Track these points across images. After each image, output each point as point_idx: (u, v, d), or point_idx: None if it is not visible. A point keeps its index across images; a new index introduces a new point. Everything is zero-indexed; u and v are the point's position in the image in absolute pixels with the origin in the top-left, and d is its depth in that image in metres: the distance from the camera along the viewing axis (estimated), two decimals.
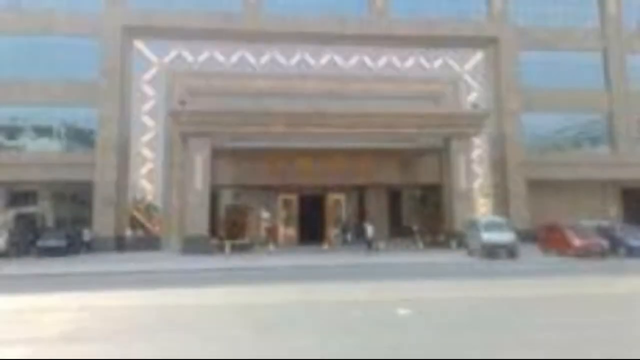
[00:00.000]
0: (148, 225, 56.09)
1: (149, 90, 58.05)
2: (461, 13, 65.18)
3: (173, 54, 58.76)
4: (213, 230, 53.40)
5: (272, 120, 51.74)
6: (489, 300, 24.16)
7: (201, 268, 40.03)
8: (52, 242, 51.46)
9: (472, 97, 61.89)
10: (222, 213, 58.87)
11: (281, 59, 60.37)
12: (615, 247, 45.28)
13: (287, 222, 62.22)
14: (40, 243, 51.66)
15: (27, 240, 53.99)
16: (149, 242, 55.40)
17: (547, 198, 62.51)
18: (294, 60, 60.59)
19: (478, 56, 63.53)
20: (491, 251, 44.37)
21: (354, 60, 61.46)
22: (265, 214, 59.08)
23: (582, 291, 26.79)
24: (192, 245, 49.61)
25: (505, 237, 45.04)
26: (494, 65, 63.16)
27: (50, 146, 59.23)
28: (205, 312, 22.25)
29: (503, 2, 65.62)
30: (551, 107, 63.63)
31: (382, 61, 61.88)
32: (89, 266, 42.36)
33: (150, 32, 58.41)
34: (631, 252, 44.62)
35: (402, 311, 21.07)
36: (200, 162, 50.98)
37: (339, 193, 62.93)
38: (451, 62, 62.98)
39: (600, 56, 67.16)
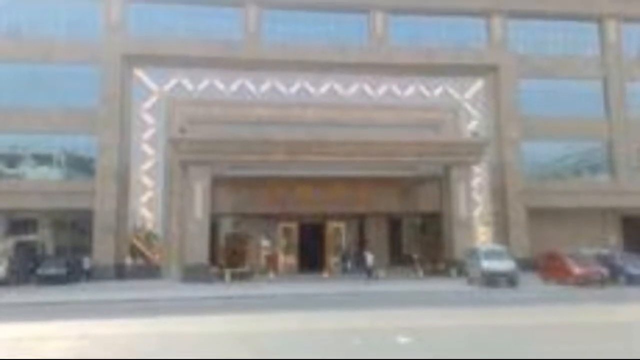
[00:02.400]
0: (148, 253, 56.01)
1: (148, 118, 58.12)
2: (461, 41, 65.39)
3: (173, 82, 58.83)
4: (213, 259, 53.27)
5: (272, 149, 51.82)
6: (489, 328, 24.17)
7: (201, 296, 40.03)
8: (52, 270, 51.33)
9: (472, 125, 61.99)
10: (222, 241, 58.87)
11: (281, 87, 60.49)
12: (615, 275, 45.25)
13: (287, 250, 62.08)
14: (40, 271, 51.53)
15: (27, 268, 53.86)
16: (149, 271, 55.26)
17: (547, 226, 62.43)
18: (294, 88, 60.71)
19: (478, 84, 63.62)
20: (491, 279, 44.41)
21: (354, 88, 61.56)
22: (265, 242, 59.02)
23: (582, 320, 26.80)
24: (192, 274, 49.55)
25: (505, 265, 45.09)
26: (494, 93, 63.20)
27: (50, 174, 59.23)
28: (205, 340, 22.25)
29: (503, 30, 65.88)
30: (551, 135, 63.62)
31: (382, 89, 61.97)
32: (89, 294, 42.35)
33: (150, 60, 58.53)
34: (631, 280, 44.64)
35: (402, 339, 21.09)
36: (200, 190, 51.01)
37: (339, 221, 62.86)
38: (451, 90, 63.03)
39: (600, 84, 67.18)
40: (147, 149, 57.63)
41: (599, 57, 67.71)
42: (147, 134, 57.87)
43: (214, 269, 52.37)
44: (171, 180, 57.42)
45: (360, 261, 55.52)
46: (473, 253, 48.01)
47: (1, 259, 52.59)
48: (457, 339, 21.65)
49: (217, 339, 22.38)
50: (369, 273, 50.65)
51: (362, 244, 62.32)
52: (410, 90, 62.22)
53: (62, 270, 51.37)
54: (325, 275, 55.99)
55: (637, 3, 68.55)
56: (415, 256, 57.75)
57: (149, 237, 56.35)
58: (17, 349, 21.28)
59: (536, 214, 61.14)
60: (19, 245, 56.25)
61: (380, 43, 63.53)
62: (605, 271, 44.59)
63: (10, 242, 55.71)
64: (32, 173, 59.07)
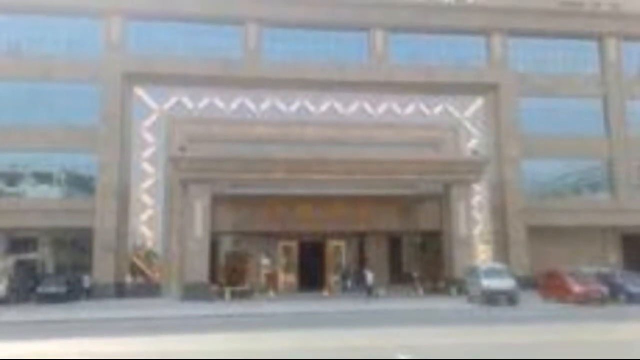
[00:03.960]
0: (148, 271, 55.99)
1: (148, 136, 58.19)
2: (461, 59, 65.54)
3: (173, 100, 58.92)
4: (213, 277, 53.24)
5: (272, 167, 51.96)
6: (489, 346, 24.14)
7: (201, 314, 40.03)
8: (52, 289, 51.30)
9: (472, 143, 62.06)
10: (222, 259, 58.88)
11: (281, 106, 60.58)
12: (615, 293, 45.31)
13: (287, 269, 61.97)
14: (40, 289, 51.54)
15: (27, 287, 53.79)
16: (149, 289, 55.22)
17: (547, 244, 62.32)
18: (294, 106, 60.80)
19: (478, 102, 63.71)
20: (491, 298, 44.43)
21: (354, 106, 61.65)
22: (265, 261, 58.96)
23: (582, 338, 26.78)
24: (192, 292, 49.53)
25: (505, 283, 45.09)
26: (494, 111, 63.31)
27: (50, 192, 59.17)
28: (205, 359, 22.24)
29: (503, 48, 66.02)
30: (551, 153, 63.70)
31: (382, 107, 62.07)
32: (89, 312, 42.34)
33: (150, 79, 58.61)
34: (631, 298, 44.62)
35: (402, 357, 21.08)
36: (200, 208, 51.05)
37: (339, 239, 62.79)
38: (451, 109, 63.13)
39: (600, 102, 67.22)
40: (147, 167, 57.68)
41: (599, 76, 67.83)
42: (147, 152, 57.92)
43: (214, 287, 52.34)
44: (171, 198, 57.42)
45: (360, 279, 55.41)
46: (473, 271, 48.02)
47: (1, 277, 52.51)
48: (457, 357, 21.64)
49: (217, 357, 22.37)
50: (369, 291, 50.56)
51: (362, 262, 62.19)
52: (410, 108, 62.32)
53: (62, 289, 51.36)
54: (325, 293, 55.97)
55: (637, 22, 68.72)
56: (415, 274, 57.68)
57: (149, 256, 56.33)
58: None
59: (536, 232, 61.11)
60: (19, 264, 56.21)
61: (380, 61, 63.65)
62: (605, 289, 44.67)
63: (10, 261, 55.64)
64: (32, 191, 59.01)
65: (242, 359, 22.04)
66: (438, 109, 62.94)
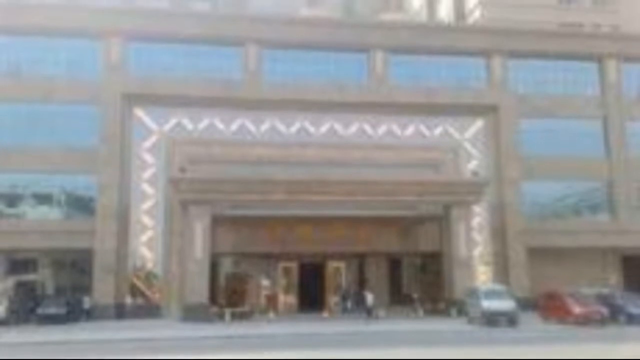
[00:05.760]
0: (148, 293, 55.91)
1: (148, 157, 58.24)
2: (461, 80, 65.64)
3: (173, 121, 58.94)
4: (213, 298, 53.18)
5: (272, 188, 51.99)
6: None
7: (201, 336, 39.98)
8: (52, 310, 51.15)
9: (472, 164, 62.06)
10: (222, 281, 58.91)
11: (281, 127, 60.68)
12: (615, 314, 45.33)
13: (287, 290, 61.85)
14: (40, 311, 51.38)
15: (27, 308, 53.66)
16: (149, 310, 55.14)
17: (547, 266, 62.27)
18: (294, 128, 60.91)
19: (478, 124, 63.78)
20: (491, 319, 44.38)
21: (354, 127, 61.76)
22: (265, 282, 58.84)
23: (582, 359, 26.75)
24: (192, 313, 49.48)
25: (506, 305, 45.05)
26: (494, 132, 63.34)
27: (50, 213, 59.14)
28: None
29: (503, 69, 66.09)
30: (551, 174, 63.70)
31: (382, 129, 62.16)
32: (89, 334, 42.31)
33: (150, 100, 58.59)
34: (631, 319, 44.66)
35: None
36: (200, 229, 51.03)
37: (339, 261, 62.63)
38: (451, 130, 63.18)
39: (601, 124, 67.23)
40: (147, 188, 57.70)
41: (599, 97, 67.87)
42: (147, 174, 57.95)
43: (214, 309, 52.24)
44: (171, 219, 57.39)
45: (360, 301, 55.33)
46: (473, 293, 48.00)
47: (1, 298, 52.58)
48: None
49: None
50: (369, 313, 50.53)
51: (362, 283, 62.09)
52: (410, 129, 62.40)
53: (62, 310, 51.22)
54: (325, 314, 55.79)
55: (637, 43, 68.96)
56: (415, 296, 57.57)
57: (149, 277, 56.28)
58: None
59: (536, 254, 61.04)
60: (19, 285, 56.27)
61: (380, 82, 63.74)
62: (605, 310, 44.63)
63: (10, 282, 55.73)
64: (32, 212, 58.95)
65: None
66: (438, 130, 63.00)
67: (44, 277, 60.47)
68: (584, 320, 43.84)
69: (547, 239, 61.79)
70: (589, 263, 64.15)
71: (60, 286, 60.21)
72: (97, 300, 54.49)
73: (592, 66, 68.86)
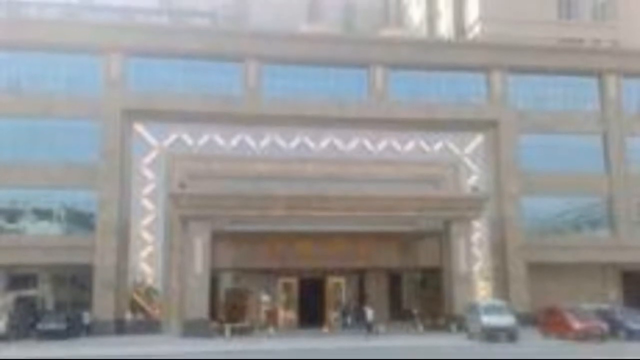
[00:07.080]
0: (148, 308, 55.89)
1: (148, 173, 58.29)
2: (461, 96, 65.81)
3: (173, 137, 59.01)
4: (213, 314, 53.23)
5: (272, 204, 52.07)
6: None
7: (201, 351, 40.01)
8: (52, 325, 51.09)
9: (472, 180, 62.06)
10: (222, 296, 58.92)
11: (281, 142, 60.77)
12: (615, 330, 45.34)
13: (287, 306, 61.83)
14: (40, 326, 51.36)
15: (27, 324, 53.63)
16: (149, 326, 55.13)
17: (547, 281, 62.21)
18: (294, 143, 61.01)
19: (478, 139, 63.86)
20: (491, 334, 44.37)
21: (353, 143, 61.86)
22: (265, 298, 58.78)
23: None
24: (192, 329, 49.49)
25: (505, 320, 45.06)
26: (494, 148, 63.41)
27: (50, 229, 59.20)
28: None
29: (503, 85, 66.20)
30: (551, 190, 63.77)
31: (382, 144, 62.26)
32: (89, 349, 42.29)
33: (149, 115, 58.62)
34: (631, 335, 44.66)
35: None
36: (200, 245, 51.06)
37: (339, 276, 62.63)
38: (451, 145, 63.24)
39: (600, 139, 67.32)
40: (147, 204, 57.76)
41: (599, 112, 67.98)
42: (147, 189, 58.01)
43: (214, 324, 52.27)
44: (171, 235, 57.42)
45: (360, 316, 55.32)
46: (473, 308, 48.00)
47: (1, 314, 52.45)
48: None
49: None
50: (369, 328, 50.53)
51: (362, 299, 62.03)
52: (410, 145, 62.48)
53: (62, 326, 51.16)
54: (325, 330, 55.72)
55: (637, 58, 69.09)
56: (415, 311, 57.56)
57: (149, 292, 56.27)
58: None
59: (536, 269, 61.02)
60: (19, 300, 56.13)
61: (380, 98, 63.86)
62: (605, 326, 44.61)
63: (10, 297, 55.63)
64: (32, 228, 58.99)
65: None
66: (438, 146, 63.08)
67: (44, 292, 60.40)
68: (584, 336, 43.79)
69: (547, 254, 61.84)
70: (588, 278, 64.09)
71: (60, 302, 60.14)
72: (97, 315, 54.46)
73: (592, 82, 69.01)
